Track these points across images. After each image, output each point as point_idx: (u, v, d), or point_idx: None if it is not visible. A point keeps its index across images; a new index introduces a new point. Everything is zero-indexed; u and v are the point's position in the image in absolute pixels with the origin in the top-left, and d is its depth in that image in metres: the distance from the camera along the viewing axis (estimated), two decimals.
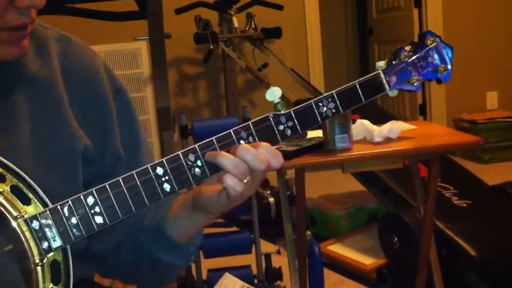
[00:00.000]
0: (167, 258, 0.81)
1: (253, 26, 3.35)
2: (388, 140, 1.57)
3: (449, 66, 0.79)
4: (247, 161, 0.69)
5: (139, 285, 1.39)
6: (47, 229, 0.66)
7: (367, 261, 2.31)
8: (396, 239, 2.15)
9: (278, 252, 2.29)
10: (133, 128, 0.88)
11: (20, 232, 0.65)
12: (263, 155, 0.69)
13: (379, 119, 1.66)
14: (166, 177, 0.70)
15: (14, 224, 0.65)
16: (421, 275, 1.79)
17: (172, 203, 0.80)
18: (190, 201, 0.76)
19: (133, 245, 0.84)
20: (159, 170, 0.70)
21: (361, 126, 1.60)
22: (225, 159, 0.69)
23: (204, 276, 2.09)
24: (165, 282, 0.90)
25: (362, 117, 1.64)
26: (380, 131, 1.57)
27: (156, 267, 0.84)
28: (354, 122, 1.58)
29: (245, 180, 0.69)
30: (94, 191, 0.68)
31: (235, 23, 3.31)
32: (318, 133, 1.54)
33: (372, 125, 1.60)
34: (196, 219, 0.77)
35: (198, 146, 0.71)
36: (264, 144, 0.71)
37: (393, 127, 1.58)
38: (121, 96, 0.87)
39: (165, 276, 0.88)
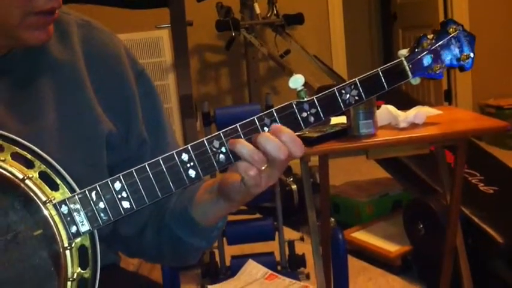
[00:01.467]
0: (191, 240, 0.82)
1: (275, 12, 3.33)
2: (413, 125, 1.55)
3: (471, 54, 0.80)
4: (267, 150, 0.69)
5: (162, 265, 1.41)
6: (75, 213, 0.67)
7: (391, 248, 2.30)
8: (421, 226, 2.13)
9: (301, 239, 2.29)
10: (156, 110, 0.88)
11: (49, 216, 0.66)
12: (283, 145, 0.69)
13: (404, 105, 1.64)
14: (192, 163, 0.70)
15: (43, 208, 0.66)
16: (447, 262, 1.77)
17: (199, 187, 0.80)
18: (216, 188, 0.76)
19: (157, 227, 0.85)
20: (185, 156, 0.70)
21: (386, 112, 1.58)
22: (241, 146, 0.69)
23: (228, 262, 2.11)
24: (188, 262, 0.91)
25: (387, 103, 1.62)
26: (405, 116, 1.55)
27: (179, 249, 0.85)
28: (378, 108, 1.56)
29: (262, 168, 0.69)
30: (121, 176, 0.69)
31: (257, 10, 3.29)
32: (341, 119, 1.53)
33: (397, 110, 1.58)
34: (220, 205, 0.77)
35: (222, 132, 0.71)
36: (287, 131, 0.70)
37: (419, 112, 1.55)
38: (143, 79, 0.87)
39: (188, 257, 0.89)
